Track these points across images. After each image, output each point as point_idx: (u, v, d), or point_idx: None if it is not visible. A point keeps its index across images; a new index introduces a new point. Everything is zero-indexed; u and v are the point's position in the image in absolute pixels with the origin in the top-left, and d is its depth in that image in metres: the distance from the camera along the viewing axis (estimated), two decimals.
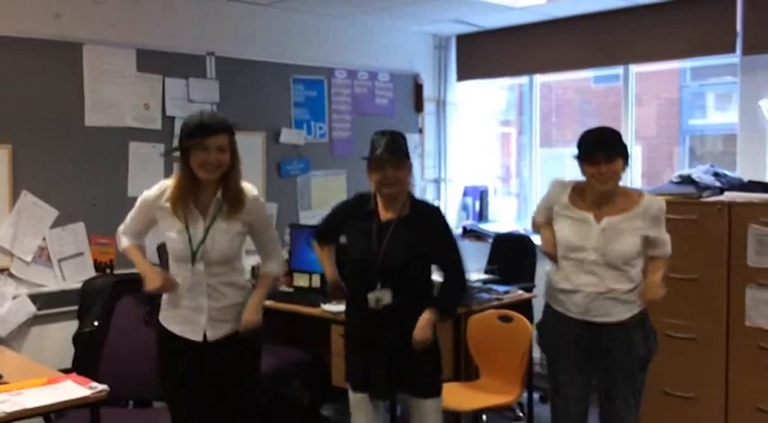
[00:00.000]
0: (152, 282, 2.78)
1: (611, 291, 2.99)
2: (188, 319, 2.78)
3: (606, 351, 3.03)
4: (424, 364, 3.02)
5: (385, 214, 3.04)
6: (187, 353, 2.79)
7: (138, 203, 2.91)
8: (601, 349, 3.04)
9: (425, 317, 2.94)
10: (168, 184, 2.81)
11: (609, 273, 2.99)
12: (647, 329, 3.10)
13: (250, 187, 2.85)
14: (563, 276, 3.07)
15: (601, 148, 2.94)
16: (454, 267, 3.07)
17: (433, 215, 3.10)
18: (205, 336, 2.77)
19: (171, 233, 2.76)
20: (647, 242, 3.03)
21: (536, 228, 3.30)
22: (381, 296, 2.94)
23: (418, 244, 2.99)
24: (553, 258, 3.13)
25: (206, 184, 2.73)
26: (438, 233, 3.06)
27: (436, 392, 3.04)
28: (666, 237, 3.10)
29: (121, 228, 2.99)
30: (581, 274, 3.01)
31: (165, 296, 2.86)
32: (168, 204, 2.75)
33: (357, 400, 3.05)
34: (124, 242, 2.96)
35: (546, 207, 3.19)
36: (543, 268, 5.27)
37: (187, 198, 2.72)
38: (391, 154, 2.95)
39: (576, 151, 3.02)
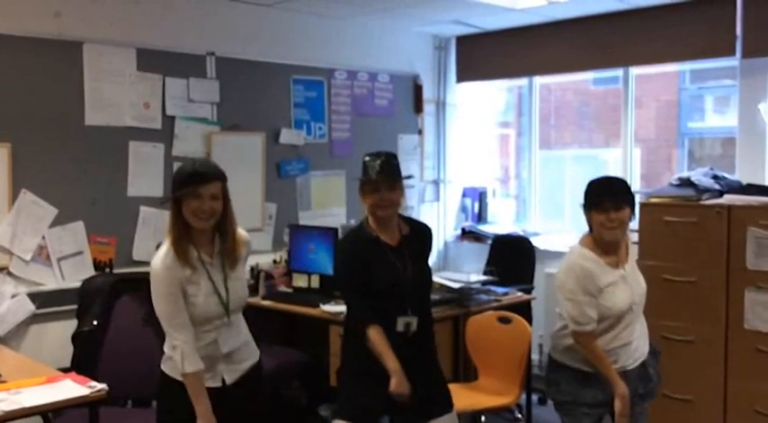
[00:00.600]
0: None
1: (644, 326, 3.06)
2: (206, 368, 2.64)
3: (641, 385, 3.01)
4: (441, 382, 3.04)
5: (388, 238, 2.98)
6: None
7: (164, 289, 2.57)
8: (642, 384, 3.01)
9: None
10: (165, 251, 2.61)
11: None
12: (657, 354, 3.11)
13: (244, 234, 2.78)
14: (613, 337, 2.91)
15: (609, 194, 2.87)
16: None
17: (429, 235, 3.12)
18: (223, 380, 2.68)
19: (198, 298, 2.60)
20: None
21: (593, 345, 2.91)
22: (411, 321, 2.90)
23: (427, 262, 3.08)
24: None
25: (200, 234, 2.64)
26: (427, 256, 3.12)
27: (445, 410, 3.01)
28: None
29: (177, 342, 2.55)
30: (631, 328, 2.95)
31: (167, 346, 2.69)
32: (187, 271, 2.58)
33: None
34: (192, 363, 2.56)
35: (590, 297, 2.88)
36: (542, 271, 5.32)
37: (188, 248, 2.60)
38: (386, 176, 2.91)
39: (582, 200, 2.97)
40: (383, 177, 2.91)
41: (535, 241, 5.40)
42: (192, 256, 2.61)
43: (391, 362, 2.79)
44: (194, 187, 2.55)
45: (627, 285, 2.93)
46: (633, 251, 3.08)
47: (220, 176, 2.63)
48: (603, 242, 2.91)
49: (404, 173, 3.04)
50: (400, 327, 2.88)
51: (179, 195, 2.57)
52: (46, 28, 3.99)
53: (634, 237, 3.11)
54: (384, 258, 2.94)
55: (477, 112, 6.31)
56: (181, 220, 2.59)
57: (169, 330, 2.58)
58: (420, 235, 3.06)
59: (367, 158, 2.98)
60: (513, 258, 5.25)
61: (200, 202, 2.56)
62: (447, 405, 3.01)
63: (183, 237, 2.60)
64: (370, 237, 2.97)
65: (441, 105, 6.14)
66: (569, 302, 2.89)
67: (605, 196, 2.86)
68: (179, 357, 2.55)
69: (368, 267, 2.92)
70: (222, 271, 2.67)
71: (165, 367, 2.67)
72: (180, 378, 2.60)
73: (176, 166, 4.34)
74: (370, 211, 2.96)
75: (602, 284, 2.88)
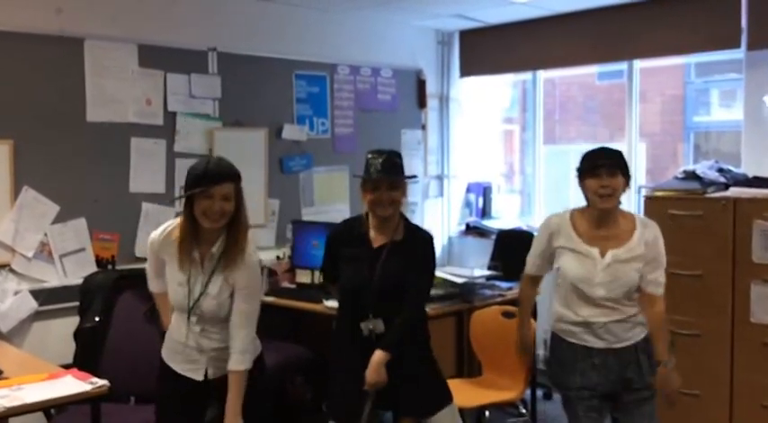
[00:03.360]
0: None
1: (621, 319, 2.91)
2: (189, 358, 2.71)
3: (626, 380, 2.92)
4: (421, 385, 2.98)
5: (377, 239, 2.96)
6: (188, 393, 2.72)
7: (148, 246, 2.82)
8: (621, 378, 2.92)
9: (376, 358, 2.84)
10: (173, 226, 2.70)
11: (614, 305, 2.90)
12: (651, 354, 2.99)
13: (253, 249, 2.71)
14: (571, 309, 2.94)
15: (604, 159, 2.86)
16: (415, 298, 2.96)
17: (425, 244, 3.02)
18: (206, 374, 2.70)
19: (173, 284, 2.69)
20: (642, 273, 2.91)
21: (524, 286, 3.23)
22: (374, 325, 2.90)
23: (409, 270, 2.93)
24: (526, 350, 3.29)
25: (209, 233, 2.63)
26: (420, 261, 2.98)
27: (444, 403, 3.00)
28: (661, 268, 2.96)
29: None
30: (589, 307, 2.89)
31: (170, 330, 2.79)
32: (174, 250, 2.65)
33: None
34: (152, 286, 2.92)
35: (539, 254, 3.10)
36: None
37: (191, 247, 2.63)
38: (387, 174, 2.88)
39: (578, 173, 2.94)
40: (384, 176, 2.88)
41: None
42: (191, 254, 2.63)
43: None
44: (206, 187, 2.52)
45: (592, 265, 2.86)
46: (649, 243, 2.91)
47: (233, 177, 2.60)
48: (596, 211, 2.88)
49: (408, 172, 3.02)
50: (365, 331, 2.91)
51: (189, 195, 2.56)
52: (47, 24, 3.98)
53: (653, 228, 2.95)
54: (359, 257, 2.93)
55: (481, 106, 6.28)
56: (191, 217, 2.58)
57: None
58: (412, 243, 2.97)
59: (369, 156, 2.96)
60: (517, 253, 5.13)
61: (210, 202, 2.54)
62: (428, 406, 2.97)
63: (190, 235, 2.61)
64: (359, 231, 2.97)
65: (444, 100, 6.12)
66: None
67: (600, 161, 2.86)
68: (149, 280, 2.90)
69: (343, 261, 2.99)
70: (209, 273, 2.64)
71: (162, 352, 2.80)
72: (173, 366, 2.73)
73: (178, 162, 4.43)
74: (370, 208, 2.93)
75: (556, 243, 2.98)
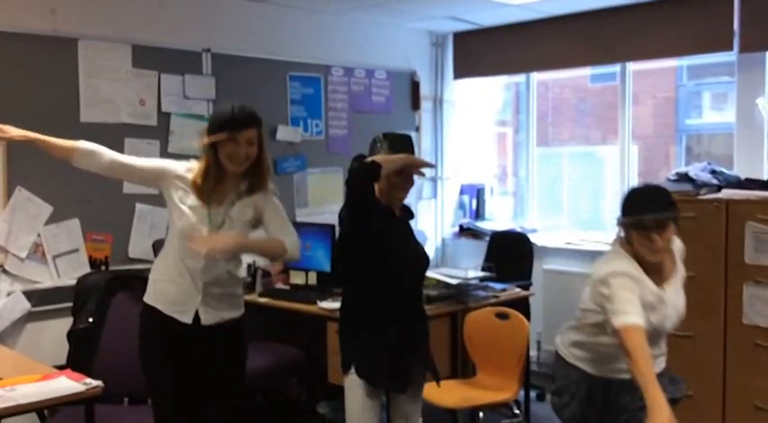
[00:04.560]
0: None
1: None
2: (179, 299, 2.70)
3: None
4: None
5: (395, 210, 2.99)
6: (173, 338, 2.71)
7: (158, 160, 2.84)
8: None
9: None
10: (194, 167, 2.74)
11: None
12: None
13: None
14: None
15: (651, 211, 2.47)
16: None
17: (410, 216, 3.09)
18: (196, 319, 2.69)
19: (186, 206, 2.69)
20: None
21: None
22: (428, 292, 2.99)
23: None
24: None
25: (231, 174, 2.71)
26: None
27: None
28: None
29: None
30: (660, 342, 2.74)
31: (154, 273, 2.78)
32: (190, 184, 2.71)
33: (372, 394, 2.85)
34: (99, 156, 2.85)
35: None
36: (540, 267, 5.31)
37: (212, 187, 2.68)
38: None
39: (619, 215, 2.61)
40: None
41: (533, 238, 5.39)
42: (210, 194, 2.68)
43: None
44: (231, 133, 2.61)
45: (665, 308, 2.60)
46: (680, 265, 2.71)
47: (257, 123, 2.69)
48: (644, 261, 2.55)
49: None
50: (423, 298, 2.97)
51: (216, 139, 2.63)
52: (41, 24, 3.98)
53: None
54: (398, 227, 2.92)
55: (474, 108, 6.30)
56: (215, 161, 2.66)
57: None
58: (408, 216, 3.07)
59: (381, 138, 2.94)
60: (511, 255, 5.24)
61: (236, 146, 2.63)
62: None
63: (213, 178, 2.67)
64: (383, 205, 2.87)
65: (438, 102, 6.13)
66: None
67: (646, 213, 2.49)
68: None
69: (381, 227, 2.80)
70: (229, 205, 2.72)
71: (147, 296, 2.79)
72: (159, 306, 2.72)
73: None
74: (396, 191, 2.89)
75: (646, 300, 2.53)
